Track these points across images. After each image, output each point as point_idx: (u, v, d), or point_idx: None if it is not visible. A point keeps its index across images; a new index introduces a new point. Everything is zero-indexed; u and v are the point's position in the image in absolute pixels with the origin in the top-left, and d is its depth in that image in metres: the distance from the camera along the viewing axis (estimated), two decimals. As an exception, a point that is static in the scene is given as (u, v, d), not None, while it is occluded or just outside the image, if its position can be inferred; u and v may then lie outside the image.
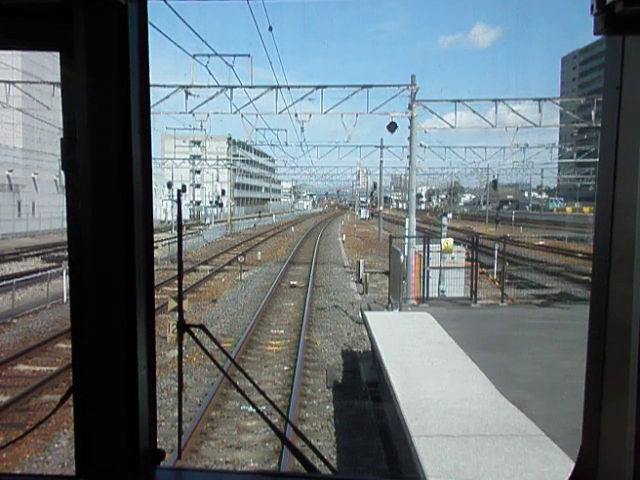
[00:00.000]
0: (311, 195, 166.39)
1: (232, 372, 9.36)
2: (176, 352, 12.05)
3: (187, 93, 22.05)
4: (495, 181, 64.40)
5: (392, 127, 21.78)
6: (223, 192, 67.48)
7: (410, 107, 20.44)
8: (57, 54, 1.46)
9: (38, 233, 42.46)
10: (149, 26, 1.49)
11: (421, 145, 29.02)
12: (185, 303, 16.44)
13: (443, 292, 16.25)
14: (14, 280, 17.59)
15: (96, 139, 1.42)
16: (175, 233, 38.89)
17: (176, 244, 22.45)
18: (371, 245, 39.94)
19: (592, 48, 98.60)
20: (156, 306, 12.97)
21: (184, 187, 55.94)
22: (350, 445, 8.16)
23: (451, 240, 17.16)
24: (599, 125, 1.82)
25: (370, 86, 21.47)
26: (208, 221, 59.37)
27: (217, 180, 70.53)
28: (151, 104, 1.57)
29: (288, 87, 22.34)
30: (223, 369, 1.85)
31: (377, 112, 22.19)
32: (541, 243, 31.44)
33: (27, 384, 10.31)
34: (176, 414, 8.81)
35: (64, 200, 1.50)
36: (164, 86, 21.68)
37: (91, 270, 1.46)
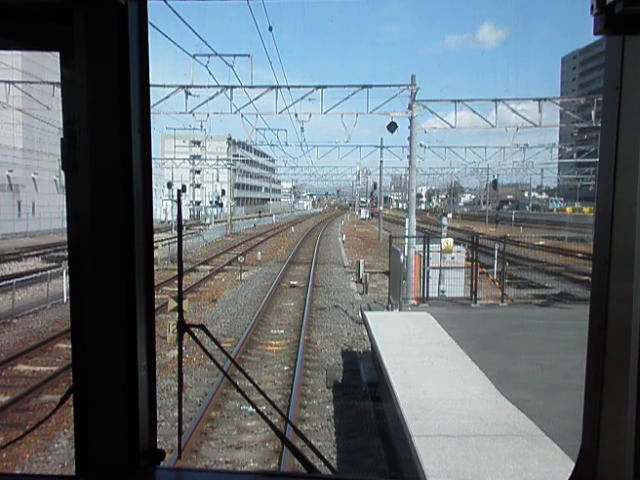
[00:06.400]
0: (311, 195, 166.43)
1: (232, 372, 9.37)
2: (176, 352, 12.05)
3: (187, 93, 22.05)
4: (495, 181, 64.40)
5: (392, 127, 21.78)
6: (223, 192, 67.49)
7: (410, 107, 20.43)
8: (57, 54, 1.46)
9: (38, 233, 42.45)
10: (149, 26, 1.49)
11: (421, 145, 29.07)
12: (185, 303, 16.44)
13: (443, 292, 16.23)
14: (14, 280, 17.58)
15: (96, 139, 1.42)
16: (175, 233, 38.88)
17: (176, 244, 22.49)
18: (371, 245, 39.94)
19: (592, 48, 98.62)
20: (156, 306, 12.99)
21: (184, 187, 55.97)
22: (350, 445, 8.16)
23: (451, 240, 17.15)
24: (599, 125, 1.82)
25: (370, 86, 21.47)
26: (208, 221, 59.36)
27: (217, 180, 70.56)
28: (151, 104, 1.57)
29: (288, 87, 22.35)
30: (223, 369, 1.85)
31: (377, 112, 22.19)
32: (541, 243, 31.46)
33: (27, 384, 10.31)
34: (176, 414, 8.81)
35: (64, 200, 1.50)
36: (164, 86, 21.68)
37: (91, 270, 1.46)
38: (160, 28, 15.70)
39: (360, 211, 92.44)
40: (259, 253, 31.26)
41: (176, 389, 10.00)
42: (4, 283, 17.75)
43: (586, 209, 68.41)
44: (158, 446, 1.61)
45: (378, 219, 50.16)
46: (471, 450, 5.17)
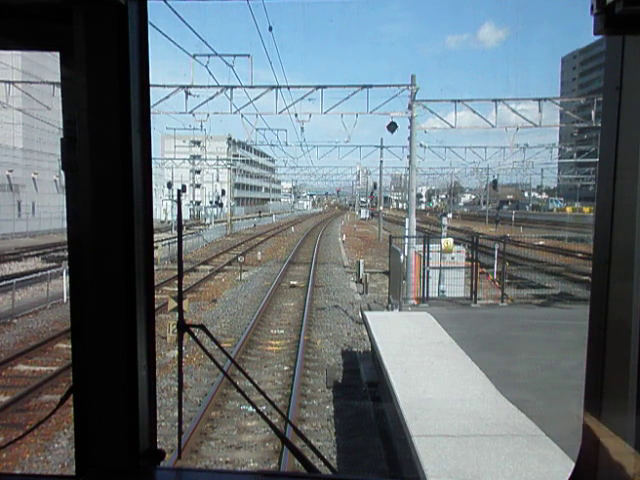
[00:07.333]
0: (311, 195, 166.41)
1: (232, 372, 9.37)
2: (176, 352, 12.05)
3: (187, 93, 22.05)
4: (495, 181, 64.42)
5: (392, 127, 21.78)
6: (223, 192, 67.49)
7: (410, 107, 20.43)
8: (57, 54, 1.46)
9: (38, 233, 42.45)
10: (149, 26, 1.49)
11: (421, 145, 29.03)
12: (185, 303, 16.44)
13: (443, 292, 16.23)
14: (14, 280, 17.58)
15: (96, 139, 1.42)
16: (175, 233, 38.88)
17: (176, 244, 22.49)
18: (371, 245, 39.94)
19: (592, 48, 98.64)
20: (156, 306, 13.01)
21: (184, 187, 55.97)
22: (350, 445, 8.16)
23: (451, 240, 17.15)
24: (599, 125, 1.82)
25: (370, 86, 21.47)
26: (208, 221, 59.37)
27: (217, 180, 70.56)
28: (151, 104, 1.57)
29: (288, 87, 22.36)
30: (223, 369, 1.85)
31: (377, 112, 22.19)
32: (541, 243, 31.45)
33: (27, 384, 10.31)
34: (176, 414, 8.81)
35: (64, 200, 1.50)
36: (164, 86, 21.69)
37: (91, 270, 1.46)
38: (160, 28, 15.73)
39: (360, 211, 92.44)
40: (259, 253, 31.26)
41: (176, 389, 10.00)
42: (4, 283, 17.75)
43: (586, 209, 68.41)
44: (158, 446, 1.61)
45: (378, 219, 50.16)
46: (471, 450, 5.17)
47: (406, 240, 18.66)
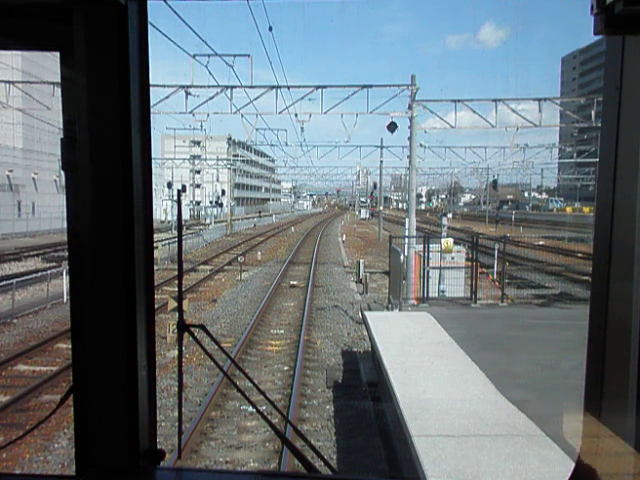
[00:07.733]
0: (311, 195, 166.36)
1: (232, 372, 9.36)
2: (176, 352, 12.05)
3: (187, 93, 22.05)
4: (495, 181, 64.44)
5: (392, 127, 21.78)
6: (223, 192, 67.48)
7: (410, 107, 20.43)
8: (57, 54, 1.46)
9: (38, 233, 42.44)
10: (149, 26, 1.49)
11: (421, 145, 29.05)
12: (185, 303, 16.43)
13: (443, 292, 16.23)
14: (14, 280, 17.58)
15: (96, 139, 1.42)
16: (175, 233, 38.88)
17: (176, 244, 22.49)
18: (371, 245, 39.93)
19: (592, 48, 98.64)
20: (156, 306, 13.00)
21: (184, 187, 55.96)
22: (350, 445, 8.16)
23: (451, 240, 17.14)
24: (599, 125, 1.82)
25: (370, 86, 21.47)
26: (208, 221, 59.36)
27: (217, 180, 70.56)
28: (151, 104, 1.57)
29: (288, 87, 22.36)
30: (223, 369, 1.85)
31: (377, 112, 22.19)
32: (541, 243, 31.44)
33: (27, 384, 10.31)
34: (176, 414, 8.81)
35: (64, 200, 1.50)
36: (164, 86, 21.69)
37: (91, 270, 1.46)
38: (160, 28, 15.74)
39: (360, 211, 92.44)
40: (259, 253, 31.26)
41: (176, 389, 9.99)
42: (4, 283, 17.75)
43: (586, 209, 68.42)
44: (158, 446, 1.61)
45: (378, 219, 50.15)
46: (471, 450, 5.17)
47: (406, 240, 18.65)
